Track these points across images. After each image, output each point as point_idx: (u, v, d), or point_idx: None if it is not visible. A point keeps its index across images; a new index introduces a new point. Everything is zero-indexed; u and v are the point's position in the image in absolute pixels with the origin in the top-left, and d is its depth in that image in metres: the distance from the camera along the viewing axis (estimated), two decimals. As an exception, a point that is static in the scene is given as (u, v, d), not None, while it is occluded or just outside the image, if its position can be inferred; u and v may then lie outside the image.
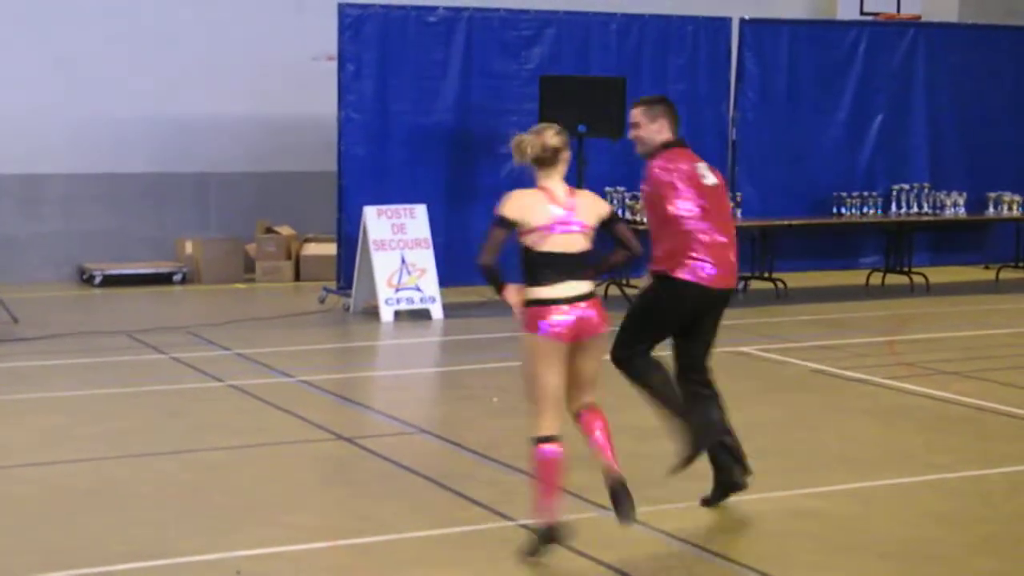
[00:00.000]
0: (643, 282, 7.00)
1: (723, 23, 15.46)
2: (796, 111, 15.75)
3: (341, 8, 13.84)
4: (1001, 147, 16.63)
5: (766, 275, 15.45)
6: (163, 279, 16.22)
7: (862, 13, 19.15)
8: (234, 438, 8.57)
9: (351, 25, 13.85)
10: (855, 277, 16.40)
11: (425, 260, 13.68)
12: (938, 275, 16.29)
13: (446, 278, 13.93)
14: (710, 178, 6.81)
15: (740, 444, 6.92)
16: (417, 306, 13.55)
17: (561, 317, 6.04)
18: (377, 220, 13.60)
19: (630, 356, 6.77)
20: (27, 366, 10.96)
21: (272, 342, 12.07)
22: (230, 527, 6.70)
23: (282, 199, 17.14)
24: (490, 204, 15.43)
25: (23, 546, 6.41)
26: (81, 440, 8.54)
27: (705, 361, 6.91)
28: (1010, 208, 16.22)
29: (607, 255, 6.38)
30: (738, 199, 15.13)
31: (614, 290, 14.45)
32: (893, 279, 16.17)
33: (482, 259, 6.16)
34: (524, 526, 6.57)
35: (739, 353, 11.45)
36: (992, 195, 16.23)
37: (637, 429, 8.84)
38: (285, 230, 16.83)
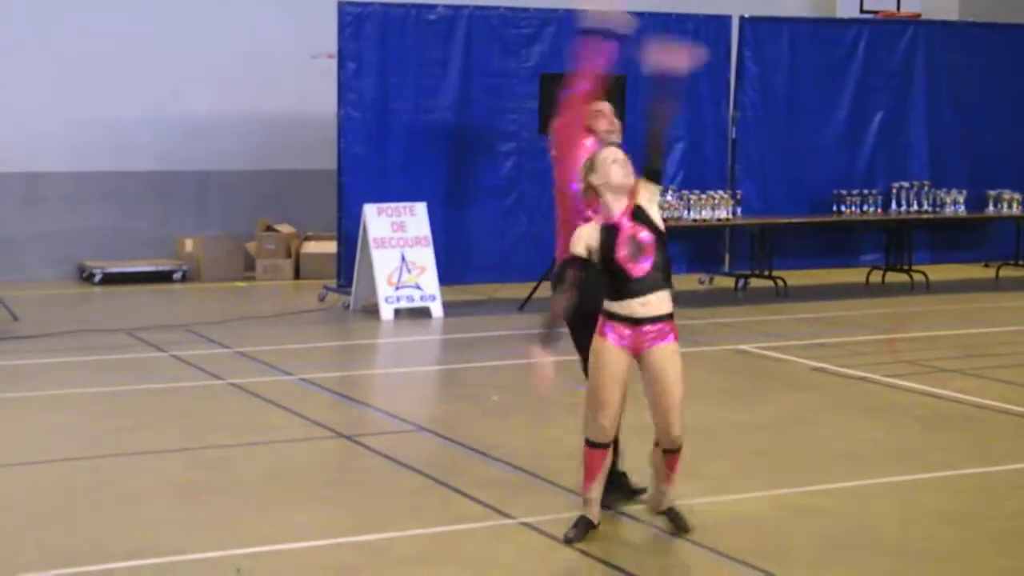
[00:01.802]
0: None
1: (723, 21, 15.45)
2: (796, 109, 15.75)
3: (341, 6, 13.83)
4: (1001, 145, 16.62)
5: (766, 273, 15.44)
6: (163, 277, 16.22)
7: (862, 11, 19.15)
8: (234, 436, 8.57)
9: (351, 23, 13.85)
10: (855, 275, 16.41)
11: (425, 258, 13.68)
12: (938, 273, 16.29)
13: (446, 276, 13.94)
14: None
15: None
16: (417, 304, 13.55)
17: None
18: (377, 218, 13.59)
19: None
20: (27, 364, 10.95)
21: (272, 340, 12.07)
22: (230, 525, 6.70)
23: (282, 197, 17.15)
24: (490, 202, 15.60)
25: (23, 544, 6.40)
26: (81, 438, 8.54)
27: None
28: (1010, 206, 16.21)
29: None
30: (738, 197, 15.13)
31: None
32: (893, 277, 16.17)
33: None
34: (525, 523, 6.58)
35: (739, 351, 11.45)
36: (992, 193, 16.23)
37: (640, 428, 8.86)
38: (285, 228, 16.83)
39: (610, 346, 6.26)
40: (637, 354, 6.29)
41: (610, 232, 6.23)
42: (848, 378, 10.43)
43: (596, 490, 6.44)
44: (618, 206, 6.26)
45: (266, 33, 16.75)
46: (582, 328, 6.56)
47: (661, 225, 6.32)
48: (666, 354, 6.27)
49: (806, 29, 16.03)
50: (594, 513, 6.44)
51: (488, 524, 6.65)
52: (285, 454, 8.22)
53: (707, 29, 15.28)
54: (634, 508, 6.88)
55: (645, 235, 6.23)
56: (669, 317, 6.31)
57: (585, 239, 6.27)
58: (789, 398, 9.79)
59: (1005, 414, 9.23)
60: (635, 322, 6.23)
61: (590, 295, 6.33)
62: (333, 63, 14.17)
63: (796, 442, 8.54)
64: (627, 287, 6.23)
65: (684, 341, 10.33)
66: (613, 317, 6.28)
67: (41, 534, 6.56)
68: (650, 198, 6.33)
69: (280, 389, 9.98)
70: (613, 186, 6.25)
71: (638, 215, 6.25)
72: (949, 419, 9.16)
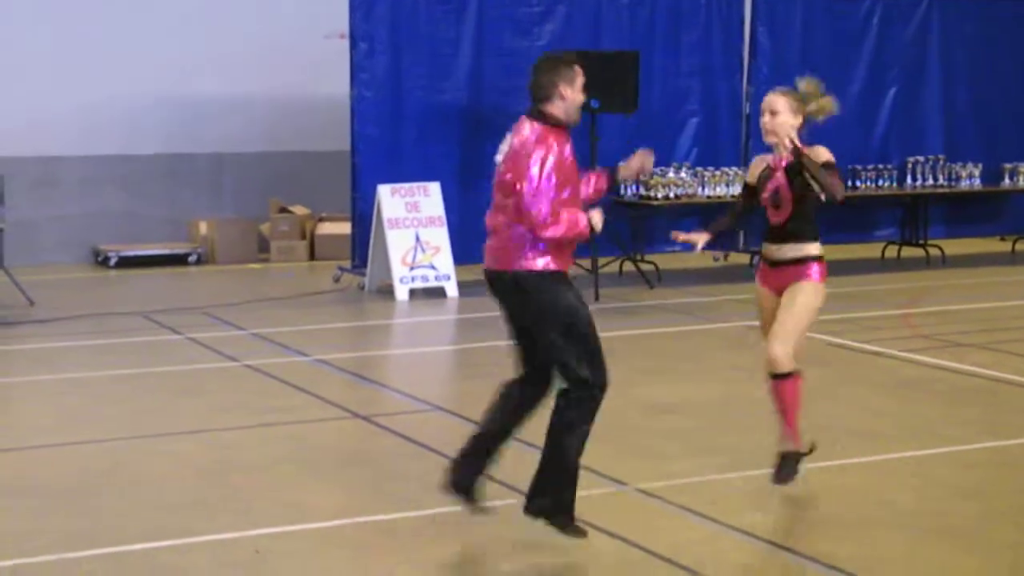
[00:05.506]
0: None
1: (737, -4, 15.41)
2: (810, 84, 15.67)
3: (353, -14, 13.82)
4: (1016, 118, 16.55)
5: (781, 249, 15.39)
6: (178, 260, 16.24)
7: (875, -15, 19.03)
8: (250, 417, 8.59)
9: (363, 3, 13.81)
10: (870, 250, 16.36)
11: (439, 238, 13.67)
12: (954, 247, 16.25)
13: (460, 256, 13.92)
14: (501, 152, 6.54)
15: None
16: (432, 284, 13.55)
17: None
18: (391, 198, 13.59)
19: None
20: (43, 348, 10.99)
21: (287, 322, 12.08)
22: (248, 506, 6.72)
23: (296, 179, 17.14)
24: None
25: (41, 526, 6.43)
26: (98, 421, 8.57)
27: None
28: (1026, 179, 16.17)
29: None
30: (753, 173, 15.09)
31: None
32: (909, 251, 16.13)
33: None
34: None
35: (755, 327, 11.41)
36: (1008, 166, 16.17)
37: (650, 404, 8.85)
38: (299, 210, 16.83)
39: (757, 285, 6.93)
40: (779, 294, 6.80)
41: (764, 174, 6.76)
42: (864, 353, 10.41)
43: (798, 421, 6.83)
44: (781, 154, 6.74)
45: (277, 13, 16.73)
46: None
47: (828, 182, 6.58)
48: (796, 288, 6.71)
49: (819, 4, 15.93)
50: (804, 443, 6.82)
51: (503, 503, 6.64)
52: (301, 435, 8.24)
53: (720, 4, 15.24)
54: (653, 485, 6.87)
55: (785, 190, 6.64)
56: (806, 260, 6.65)
57: (751, 168, 6.93)
58: (806, 373, 9.75)
59: (1022, 388, 9.21)
60: (772, 264, 6.72)
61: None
62: (346, 43, 14.15)
63: (812, 418, 8.49)
64: (768, 231, 6.75)
65: (699, 318, 10.32)
66: (760, 255, 6.87)
67: (58, 516, 6.59)
68: (825, 159, 6.72)
69: (296, 370, 10.00)
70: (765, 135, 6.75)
71: (792, 169, 6.65)
72: (965, 393, 9.14)
